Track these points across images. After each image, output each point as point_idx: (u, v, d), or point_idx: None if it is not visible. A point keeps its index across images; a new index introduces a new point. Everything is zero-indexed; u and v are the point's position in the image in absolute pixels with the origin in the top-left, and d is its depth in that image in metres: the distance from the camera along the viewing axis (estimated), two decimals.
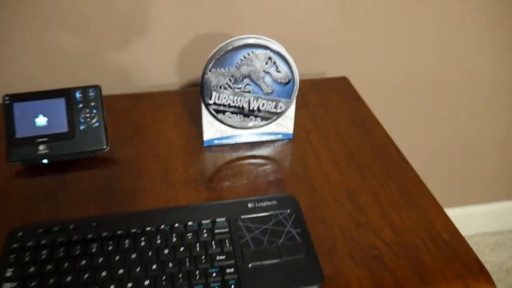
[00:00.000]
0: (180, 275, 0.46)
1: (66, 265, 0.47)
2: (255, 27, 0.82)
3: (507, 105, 1.07)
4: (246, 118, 0.64)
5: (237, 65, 0.60)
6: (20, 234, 0.50)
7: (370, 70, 0.93)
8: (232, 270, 0.47)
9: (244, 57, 0.60)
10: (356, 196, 0.58)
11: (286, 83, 0.62)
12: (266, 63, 0.61)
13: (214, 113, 0.63)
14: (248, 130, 0.67)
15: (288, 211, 0.53)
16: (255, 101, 0.63)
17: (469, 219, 1.30)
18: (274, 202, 0.54)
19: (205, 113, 0.64)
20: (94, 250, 0.48)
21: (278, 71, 0.61)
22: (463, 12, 0.88)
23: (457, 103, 1.03)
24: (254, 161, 0.64)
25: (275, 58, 0.61)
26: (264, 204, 0.54)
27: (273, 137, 0.68)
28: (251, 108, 0.63)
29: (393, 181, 0.61)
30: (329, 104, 0.77)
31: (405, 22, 0.87)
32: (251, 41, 0.59)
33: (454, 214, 1.27)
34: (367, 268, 0.49)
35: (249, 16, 0.81)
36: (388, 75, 0.94)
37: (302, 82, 0.83)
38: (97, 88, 0.64)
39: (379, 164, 0.64)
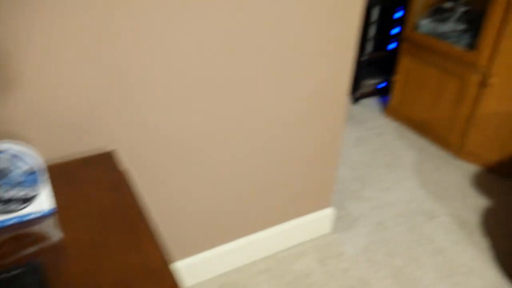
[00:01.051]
0: None
1: None
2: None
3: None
4: (6, 206, 0.79)
5: None
6: None
7: (139, 140, 1.14)
8: None
9: None
10: (96, 248, 0.76)
11: (33, 173, 0.79)
12: (12, 161, 0.77)
13: None
14: (12, 214, 0.81)
15: (32, 275, 0.69)
16: (10, 191, 0.78)
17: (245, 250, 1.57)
18: (20, 270, 0.69)
19: None
20: None
21: (24, 165, 0.78)
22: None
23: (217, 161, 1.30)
24: (16, 239, 0.79)
25: (19, 155, 0.77)
26: (12, 273, 0.69)
27: (35, 215, 0.84)
28: (7, 197, 0.79)
29: (130, 231, 0.80)
30: (92, 176, 0.95)
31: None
32: None
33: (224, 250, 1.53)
34: None
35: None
36: (157, 140, 1.16)
37: (73, 161, 1.00)
38: None
39: (123, 219, 0.83)
